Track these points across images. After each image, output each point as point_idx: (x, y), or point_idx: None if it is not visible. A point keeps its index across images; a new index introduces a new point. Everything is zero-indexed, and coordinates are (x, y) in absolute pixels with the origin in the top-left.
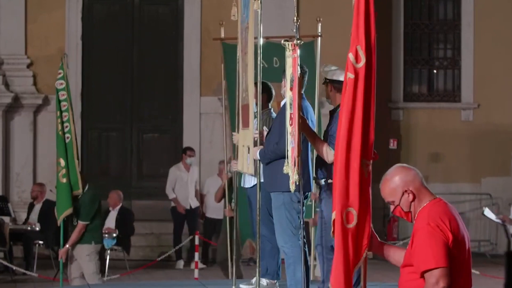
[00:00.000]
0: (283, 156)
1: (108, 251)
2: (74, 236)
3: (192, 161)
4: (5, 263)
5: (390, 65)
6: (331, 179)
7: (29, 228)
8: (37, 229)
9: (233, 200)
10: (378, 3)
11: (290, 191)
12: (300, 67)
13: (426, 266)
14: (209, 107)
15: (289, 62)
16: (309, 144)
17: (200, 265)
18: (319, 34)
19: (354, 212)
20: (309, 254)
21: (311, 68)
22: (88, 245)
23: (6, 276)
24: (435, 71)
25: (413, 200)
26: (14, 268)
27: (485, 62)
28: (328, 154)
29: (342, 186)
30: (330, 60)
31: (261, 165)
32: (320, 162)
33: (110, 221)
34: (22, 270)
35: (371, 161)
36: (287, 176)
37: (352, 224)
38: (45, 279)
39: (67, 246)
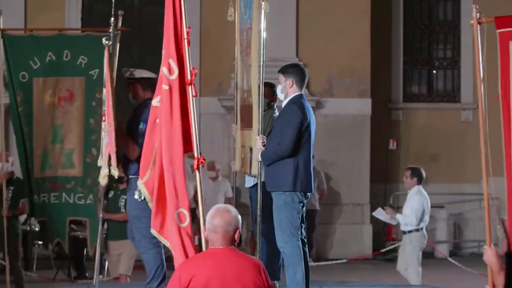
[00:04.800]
0: (285, 157)
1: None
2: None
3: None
4: (3, 262)
5: (390, 65)
6: (135, 175)
7: (28, 228)
8: (37, 229)
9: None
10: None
11: (292, 191)
12: (300, 68)
13: None
14: (209, 107)
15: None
16: (311, 144)
17: None
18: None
19: (185, 212)
20: (309, 254)
21: (111, 62)
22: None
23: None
24: (434, 71)
25: None
26: None
27: (485, 62)
28: (134, 150)
29: (170, 187)
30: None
31: (263, 165)
32: (127, 159)
33: None
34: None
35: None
36: (288, 176)
37: (185, 224)
38: (44, 279)
39: None
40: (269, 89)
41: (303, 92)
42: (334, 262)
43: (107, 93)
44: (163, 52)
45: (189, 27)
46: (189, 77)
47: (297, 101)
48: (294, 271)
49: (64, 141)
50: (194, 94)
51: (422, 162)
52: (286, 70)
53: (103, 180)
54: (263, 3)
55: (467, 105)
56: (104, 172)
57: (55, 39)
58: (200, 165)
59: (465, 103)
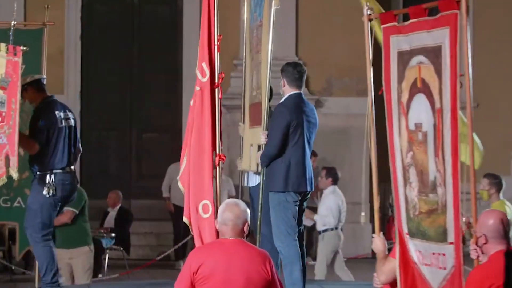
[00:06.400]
0: (272, 157)
1: (107, 251)
2: None
3: None
4: (5, 262)
5: None
6: (42, 171)
7: None
8: None
9: None
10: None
11: (285, 191)
12: (292, 67)
13: None
14: None
15: (2, 62)
16: (307, 144)
17: None
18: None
19: (209, 203)
20: (307, 254)
21: (37, 56)
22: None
23: (5, 275)
24: None
25: None
26: (13, 267)
27: (484, 61)
28: (33, 146)
29: (197, 181)
30: None
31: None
32: (35, 157)
33: (109, 221)
34: (22, 270)
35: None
36: (282, 176)
37: (208, 214)
38: None
39: None
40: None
41: (301, 91)
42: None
43: (7, 95)
44: (198, 55)
45: (220, 34)
46: (216, 80)
47: (287, 101)
48: (291, 271)
49: None
50: (220, 96)
51: None
52: (282, 69)
53: (0, 181)
54: (273, 0)
55: (464, 104)
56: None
57: None
58: (220, 162)
59: (464, 102)
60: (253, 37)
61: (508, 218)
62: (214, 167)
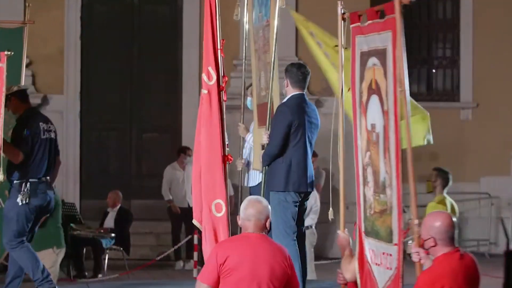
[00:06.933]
0: (273, 157)
1: (107, 251)
2: None
3: (190, 160)
4: (5, 262)
5: None
6: (19, 179)
7: None
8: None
9: None
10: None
11: (286, 191)
12: (296, 68)
13: None
14: None
15: None
16: (308, 144)
17: (199, 265)
18: (27, 20)
19: (222, 202)
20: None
21: (19, 54)
22: None
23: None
24: (434, 70)
25: None
26: None
27: (484, 61)
28: (17, 155)
29: (208, 181)
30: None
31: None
32: (13, 165)
33: (109, 221)
34: None
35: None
36: (280, 176)
37: (221, 213)
38: None
39: None
40: None
41: (304, 92)
42: (334, 261)
43: None
44: (204, 60)
45: (223, 39)
46: (221, 83)
47: (289, 102)
48: None
49: None
50: (224, 99)
51: (421, 161)
52: (286, 69)
53: None
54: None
55: (466, 104)
56: None
57: None
58: (227, 162)
59: (464, 102)
60: (259, 37)
61: (451, 214)
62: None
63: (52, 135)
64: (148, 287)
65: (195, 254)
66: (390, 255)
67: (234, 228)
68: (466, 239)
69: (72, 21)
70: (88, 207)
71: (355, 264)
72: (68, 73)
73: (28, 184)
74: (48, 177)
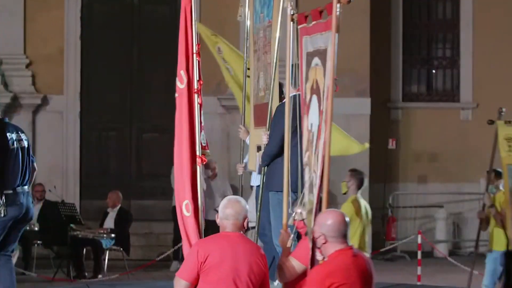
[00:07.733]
0: (273, 156)
1: (107, 251)
2: None
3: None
4: None
5: (389, 64)
6: None
7: (28, 228)
8: (36, 229)
9: None
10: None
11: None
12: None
13: None
14: (208, 107)
15: None
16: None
17: None
18: None
19: (189, 203)
20: None
21: None
22: None
23: None
24: (434, 70)
25: None
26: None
27: (484, 61)
28: None
29: (179, 182)
30: None
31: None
32: None
33: (109, 222)
34: (21, 270)
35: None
36: (279, 176)
37: (189, 213)
38: (44, 279)
39: None
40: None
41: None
42: None
43: None
44: (178, 64)
45: (199, 43)
46: (196, 87)
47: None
48: None
49: None
50: (199, 102)
51: (421, 162)
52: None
53: None
54: (284, 0)
55: (466, 104)
56: None
57: None
58: (202, 163)
59: (465, 102)
60: (259, 38)
61: (343, 213)
62: (195, 169)
63: (24, 144)
64: (148, 287)
65: None
66: None
67: None
68: (466, 239)
69: (72, 21)
70: (88, 207)
71: (290, 264)
72: (68, 73)
73: (3, 197)
74: (25, 186)
